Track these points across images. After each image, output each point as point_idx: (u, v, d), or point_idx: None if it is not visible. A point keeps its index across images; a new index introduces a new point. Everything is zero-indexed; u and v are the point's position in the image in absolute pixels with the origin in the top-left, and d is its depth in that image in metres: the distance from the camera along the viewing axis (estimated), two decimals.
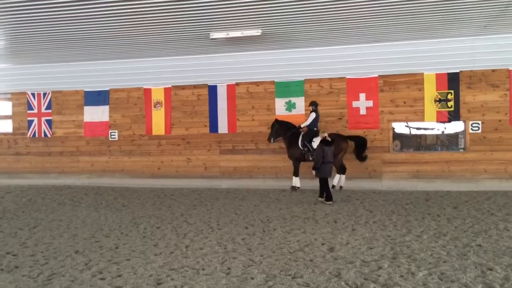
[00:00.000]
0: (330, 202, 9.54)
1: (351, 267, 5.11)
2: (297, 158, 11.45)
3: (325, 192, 9.70)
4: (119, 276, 4.98)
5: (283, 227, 7.35)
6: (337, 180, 11.40)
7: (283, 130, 11.60)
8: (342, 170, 11.44)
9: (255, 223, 7.69)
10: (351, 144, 11.52)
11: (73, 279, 4.90)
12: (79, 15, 8.49)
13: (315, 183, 11.96)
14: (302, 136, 11.33)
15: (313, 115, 11.29)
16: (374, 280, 4.65)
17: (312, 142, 11.03)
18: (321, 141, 9.84)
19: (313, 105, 11.45)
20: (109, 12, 8.37)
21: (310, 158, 11.02)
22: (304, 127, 11.38)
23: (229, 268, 5.18)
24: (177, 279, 4.83)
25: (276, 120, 11.80)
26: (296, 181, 11.62)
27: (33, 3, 7.81)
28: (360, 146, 11.38)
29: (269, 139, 11.76)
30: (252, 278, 4.80)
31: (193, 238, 6.69)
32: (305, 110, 12.22)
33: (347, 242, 6.30)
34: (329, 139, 9.78)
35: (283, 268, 5.14)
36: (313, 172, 9.69)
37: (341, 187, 11.46)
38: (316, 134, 11.12)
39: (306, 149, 11.16)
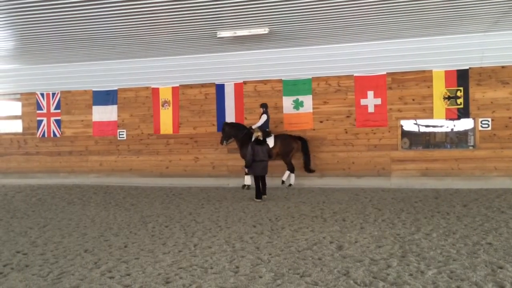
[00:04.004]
0: (259, 200, 9.84)
1: (360, 266, 5.08)
2: None
3: (255, 189, 9.94)
4: (128, 274, 5.00)
5: (291, 225, 7.34)
6: (286, 176, 11.83)
7: (235, 131, 11.85)
8: (291, 169, 11.76)
9: (263, 222, 7.68)
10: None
11: (82, 277, 4.93)
12: (88, 15, 8.54)
13: (322, 182, 11.98)
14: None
15: (264, 117, 11.62)
16: (383, 279, 4.62)
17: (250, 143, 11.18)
18: (253, 140, 10.12)
19: (264, 107, 11.78)
20: (117, 12, 8.41)
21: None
22: (255, 128, 11.48)
23: (237, 267, 5.18)
24: (185, 277, 4.84)
25: (225, 123, 12.08)
26: (247, 180, 11.88)
27: (41, 4, 7.87)
28: (304, 147, 11.74)
29: (221, 142, 12.00)
30: (261, 277, 4.79)
31: (202, 237, 6.70)
32: (313, 108, 12.22)
33: (356, 240, 6.27)
34: (261, 139, 10.10)
35: (292, 266, 5.13)
36: (245, 170, 9.92)
37: (290, 184, 11.78)
38: (268, 135, 11.30)
39: None
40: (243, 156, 11.76)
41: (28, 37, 10.26)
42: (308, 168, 11.77)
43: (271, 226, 7.35)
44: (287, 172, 11.83)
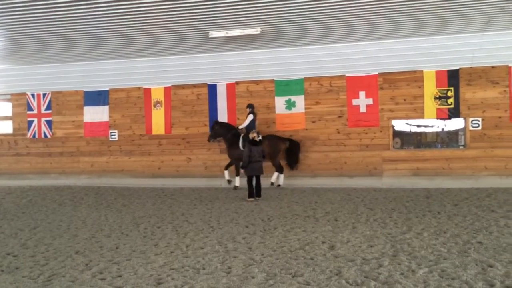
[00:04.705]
0: (251, 199, 9.94)
1: (352, 265, 5.10)
2: (238, 158, 11.71)
3: (248, 188, 10.08)
4: (120, 276, 4.97)
5: (283, 225, 7.35)
6: (274, 177, 11.88)
7: (223, 131, 11.94)
8: (279, 169, 11.84)
9: (255, 222, 7.68)
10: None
11: (73, 279, 4.90)
12: (78, 15, 8.47)
13: (314, 182, 12.02)
14: (243, 138, 11.62)
15: (250, 116, 11.68)
16: (375, 278, 4.64)
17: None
18: (249, 141, 10.23)
19: (250, 107, 11.85)
20: (108, 12, 8.35)
21: None
22: (242, 128, 11.69)
23: (229, 267, 5.17)
24: (177, 278, 4.82)
25: (216, 122, 12.18)
26: (236, 180, 11.96)
27: (32, 4, 7.80)
28: (292, 149, 11.83)
29: (208, 139, 12.08)
30: (253, 277, 4.79)
31: (194, 238, 6.68)
32: (305, 108, 12.24)
33: (348, 240, 6.29)
34: (257, 140, 10.18)
35: (284, 266, 5.14)
36: (241, 170, 10.17)
37: (278, 185, 11.86)
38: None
39: None
40: (231, 156, 11.86)
41: (17, 37, 10.16)
42: (292, 166, 11.97)
43: (264, 226, 7.35)
44: (276, 173, 11.86)
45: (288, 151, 11.88)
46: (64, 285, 4.72)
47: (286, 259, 5.42)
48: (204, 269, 5.15)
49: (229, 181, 12.03)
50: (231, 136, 11.82)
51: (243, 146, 11.44)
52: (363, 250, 5.74)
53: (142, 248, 6.18)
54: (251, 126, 11.54)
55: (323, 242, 6.20)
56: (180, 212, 8.83)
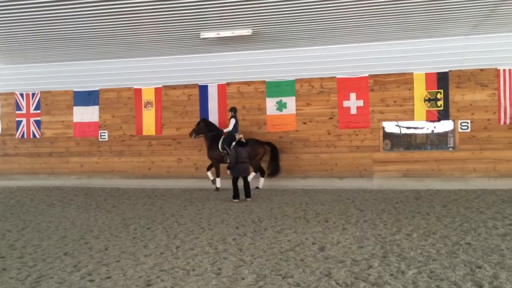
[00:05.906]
0: (237, 200, 10.03)
1: (342, 266, 5.12)
2: (216, 159, 11.81)
3: (233, 190, 10.17)
4: (108, 278, 4.93)
5: (274, 227, 7.35)
6: (255, 178, 11.88)
7: (206, 130, 11.96)
8: (261, 173, 11.90)
9: (246, 223, 7.67)
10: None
11: (61, 281, 4.85)
12: (66, 14, 8.41)
13: (305, 183, 12.03)
14: (223, 140, 11.70)
15: (233, 120, 11.75)
16: (364, 279, 4.66)
17: (231, 146, 11.26)
18: (236, 143, 10.34)
19: (233, 111, 11.88)
20: (92, 12, 8.29)
21: (228, 160, 11.34)
22: (226, 132, 11.77)
23: (219, 269, 5.16)
24: (167, 280, 4.80)
25: (203, 119, 12.19)
26: (217, 181, 11.97)
27: (18, 3, 7.72)
28: (272, 153, 11.78)
29: (190, 134, 12.09)
30: (243, 279, 4.78)
31: (184, 239, 6.66)
32: (296, 109, 12.26)
33: (338, 241, 6.31)
34: (244, 141, 10.30)
35: (274, 268, 5.14)
36: (228, 171, 10.18)
37: (257, 187, 11.87)
38: (235, 139, 11.27)
39: (225, 151, 11.52)
40: (210, 157, 11.91)
41: (5, 37, 10.06)
42: (272, 172, 11.76)
43: (254, 227, 7.34)
44: (253, 173, 11.72)
45: (270, 157, 11.78)
46: (52, 286, 4.68)
47: (276, 260, 5.42)
48: (194, 270, 5.13)
49: (213, 181, 12.02)
50: (211, 137, 11.84)
51: (222, 148, 11.51)
52: (353, 251, 5.76)
53: (131, 249, 6.14)
54: (234, 130, 11.60)
55: (313, 243, 6.22)
56: (170, 213, 8.79)
